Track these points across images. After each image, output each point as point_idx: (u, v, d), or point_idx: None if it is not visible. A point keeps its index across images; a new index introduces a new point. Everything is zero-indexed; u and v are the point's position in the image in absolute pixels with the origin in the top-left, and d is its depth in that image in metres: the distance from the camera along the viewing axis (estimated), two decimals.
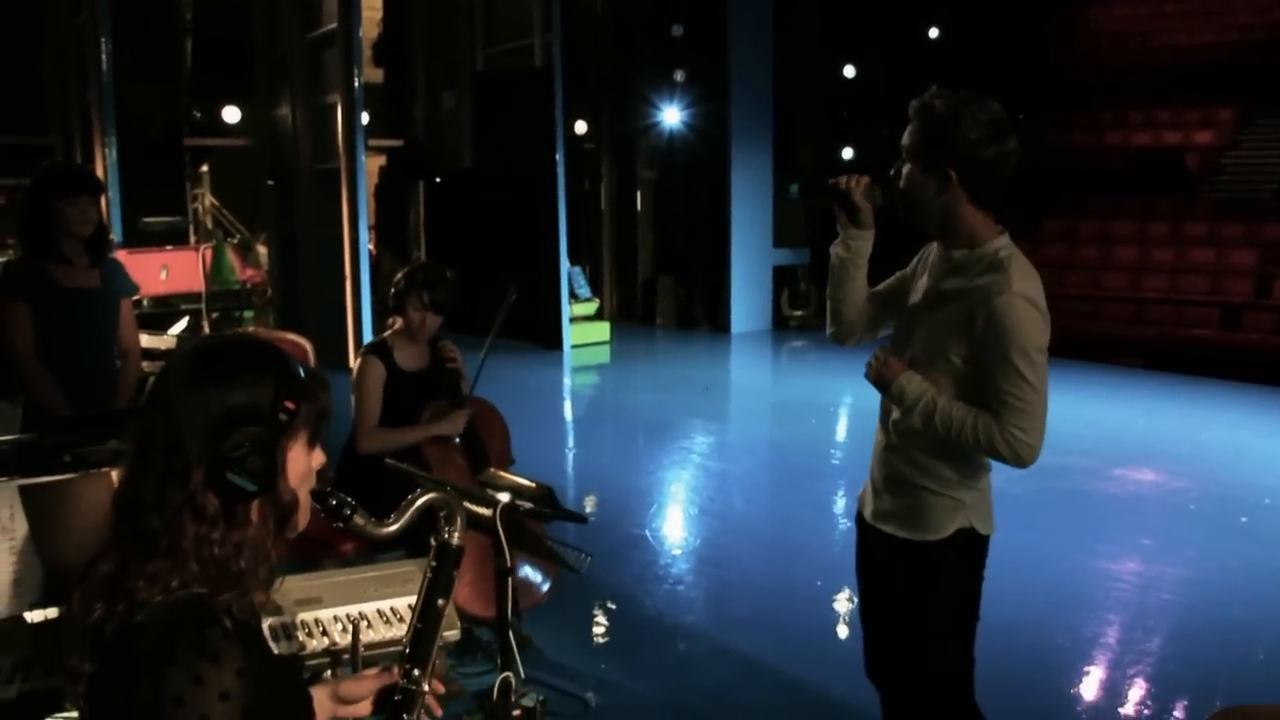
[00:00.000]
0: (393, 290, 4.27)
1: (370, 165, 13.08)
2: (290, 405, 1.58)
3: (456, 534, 1.88)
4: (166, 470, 1.52)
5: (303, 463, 1.64)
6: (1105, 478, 7.27)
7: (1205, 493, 7.05)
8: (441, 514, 1.87)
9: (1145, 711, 4.14)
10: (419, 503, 1.82)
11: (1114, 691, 4.32)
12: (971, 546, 2.73)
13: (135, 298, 4.57)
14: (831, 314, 2.96)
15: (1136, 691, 4.30)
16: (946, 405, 2.59)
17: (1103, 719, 4.10)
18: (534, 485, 2.65)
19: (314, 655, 2.47)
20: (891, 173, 2.70)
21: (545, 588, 4.19)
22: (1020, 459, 2.56)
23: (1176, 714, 4.10)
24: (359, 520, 1.75)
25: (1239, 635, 4.82)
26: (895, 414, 2.76)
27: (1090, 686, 4.37)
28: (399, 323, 4.27)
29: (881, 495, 2.82)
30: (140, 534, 1.53)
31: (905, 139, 2.65)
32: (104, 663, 1.51)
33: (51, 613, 2.36)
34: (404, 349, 4.28)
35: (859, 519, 2.96)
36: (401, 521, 1.80)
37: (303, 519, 1.67)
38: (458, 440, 4.24)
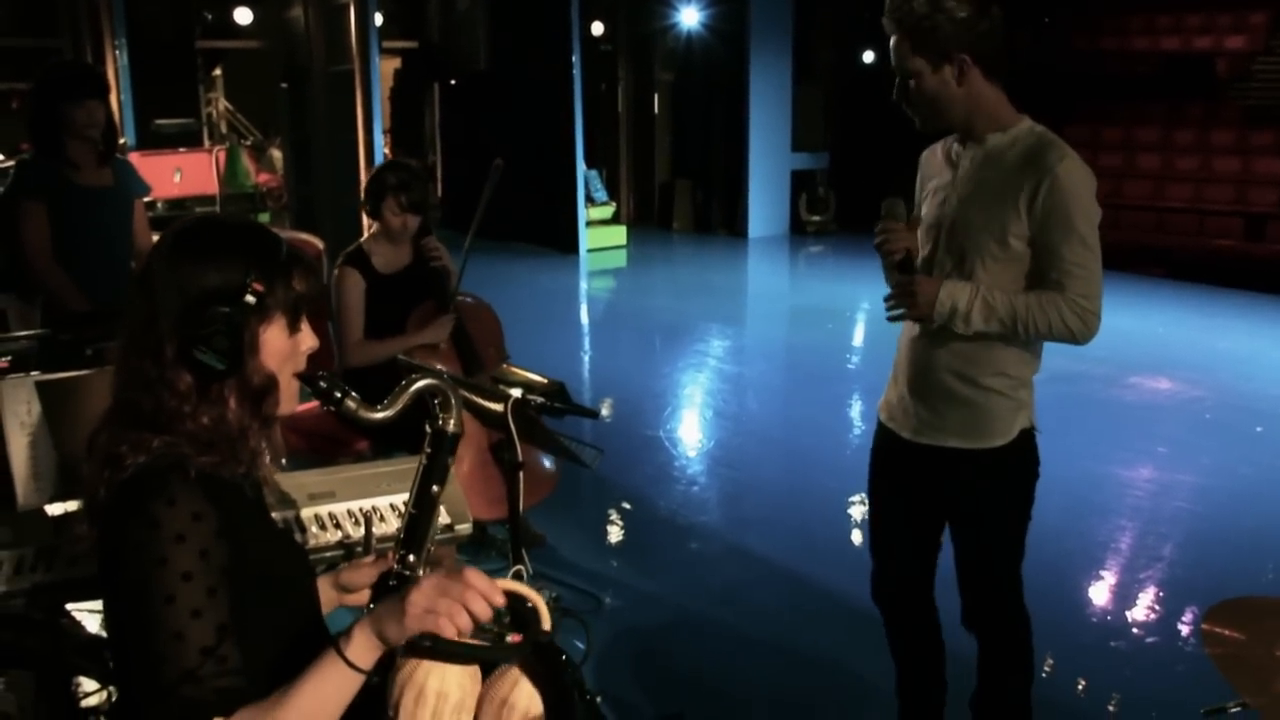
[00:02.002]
0: (365, 195, 4.16)
1: (384, 68, 12.91)
2: (258, 287, 1.60)
3: (452, 420, 1.88)
4: (144, 346, 1.58)
5: (283, 344, 1.66)
6: (1122, 385, 7.25)
7: (1222, 402, 7.03)
8: (436, 400, 1.87)
9: (1153, 616, 4.17)
10: (413, 388, 1.82)
11: (1123, 596, 4.35)
12: (1032, 446, 2.70)
13: (148, 199, 4.53)
14: None
15: (1146, 596, 4.33)
16: (1003, 295, 2.51)
17: (1111, 623, 4.13)
18: (545, 380, 2.65)
19: (327, 548, 2.49)
20: (896, 96, 2.62)
21: (550, 468, 4.15)
22: (1087, 330, 2.51)
23: (1185, 618, 4.13)
24: (350, 404, 1.75)
25: (1250, 543, 4.83)
26: (913, 332, 2.71)
27: (1100, 591, 4.40)
28: (375, 227, 4.19)
29: (928, 408, 2.71)
30: (128, 405, 1.60)
31: (898, 53, 2.55)
32: (100, 525, 1.58)
33: (71, 505, 2.40)
34: (383, 252, 4.18)
35: (888, 441, 2.86)
36: (395, 406, 1.79)
37: (286, 401, 1.69)
38: (443, 346, 4.10)
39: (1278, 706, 1.62)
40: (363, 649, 1.55)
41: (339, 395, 1.74)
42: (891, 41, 2.57)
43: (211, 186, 11.39)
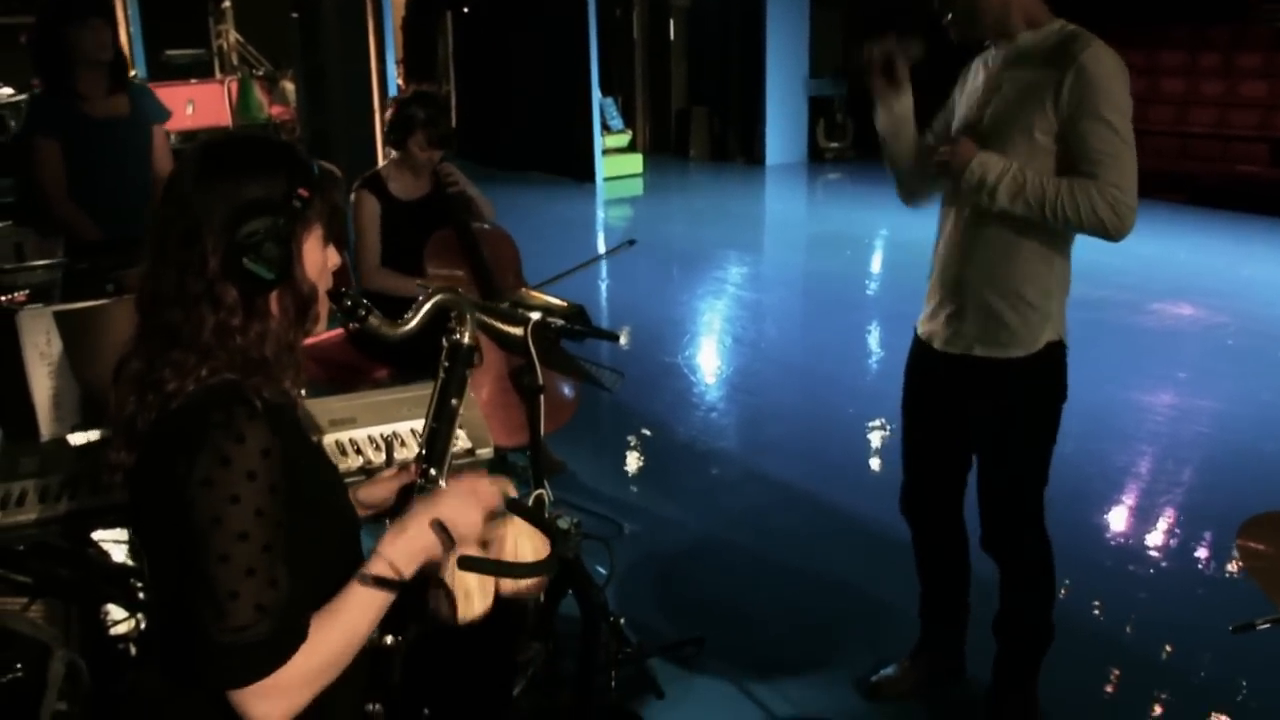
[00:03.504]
0: (389, 127, 4.11)
1: None
2: (304, 193, 1.59)
3: (467, 333, 1.90)
4: (184, 262, 1.54)
5: (319, 256, 1.65)
6: (1143, 311, 7.20)
7: (1244, 328, 6.97)
8: (452, 314, 1.89)
9: (1172, 540, 4.17)
10: (430, 303, 1.83)
11: (1142, 520, 4.35)
12: (1060, 358, 2.69)
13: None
14: (897, 179, 2.88)
15: (1164, 520, 4.33)
16: (1035, 176, 2.48)
17: (1130, 547, 4.14)
18: (565, 304, 2.64)
19: (349, 474, 2.50)
20: (935, 6, 2.59)
21: (569, 394, 4.16)
22: (1121, 222, 2.45)
23: (1202, 542, 4.13)
24: (374, 320, 1.76)
25: (1269, 468, 4.81)
26: (961, 221, 2.66)
27: (1119, 515, 4.40)
28: (395, 155, 4.16)
29: (958, 318, 2.71)
30: (163, 327, 1.55)
31: None
32: (142, 453, 1.55)
33: (94, 435, 2.41)
34: (401, 179, 4.17)
35: (922, 353, 2.87)
36: (416, 319, 1.81)
37: (322, 312, 1.68)
38: (462, 274, 4.12)
39: None
40: (399, 555, 1.61)
41: (363, 312, 1.74)
42: None
43: (224, 118, 11.32)
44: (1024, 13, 2.56)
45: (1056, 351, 2.67)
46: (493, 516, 1.78)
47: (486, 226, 4.29)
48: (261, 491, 1.47)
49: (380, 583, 1.59)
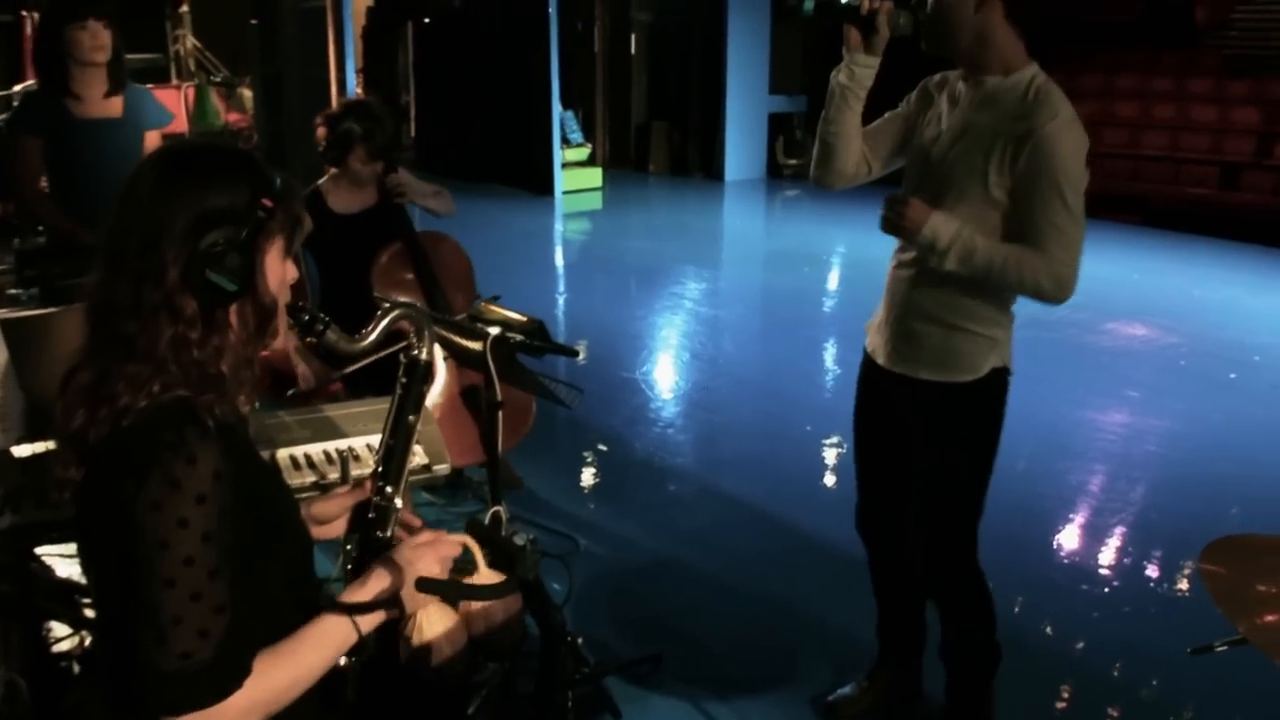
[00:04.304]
0: (326, 145, 3.94)
1: (357, 5, 12.70)
2: (267, 204, 1.55)
3: (424, 350, 1.88)
4: (142, 271, 1.49)
5: (280, 269, 1.62)
6: (1097, 331, 7.28)
7: (1195, 349, 7.06)
8: (411, 331, 1.88)
9: (1124, 560, 4.20)
10: (389, 317, 1.81)
11: (1094, 539, 4.38)
12: (1001, 385, 2.69)
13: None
14: (821, 152, 2.77)
15: (1117, 540, 4.36)
16: (985, 243, 2.48)
17: (1081, 566, 4.16)
18: (524, 318, 2.61)
19: (303, 489, 2.46)
20: (913, 3, 2.56)
21: (528, 407, 4.06)
22: (1061, 292, 2.48)
23: (1153, 562, 4.17)
24: (332, 335, 1.74)
25: (1219, 488, 4.86)
26: (909, 254, 2.66)
27: (1071, 534, 4.42)
28: (332, 170, 4.02)
29: (903, 339, 2.71)
30: (117, 338, 1.50)
31: None
32: (91, 468, 1.51)
33: (39, 447, 2.35)
34: (342, 194, 4.01)
35: (869, 367, 2.87)
36: (374, 335, 1.81)
37: (282, 326, 1.64)
38: (408, 281, 4.00)
39: (1267, 636, 1.65)
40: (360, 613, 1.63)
41: (321, 327, 1.71)
42: None
43: (181, 124, 11.19)
44: (998, 52, 2.52)
45: (1000, 378, 2.67)
46: (457, 568, 1.77)
47: (436, 237, 4.18)
48: (210, 516, 1.43)
49: (338, 631, 1.60)
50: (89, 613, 2.76)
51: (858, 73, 2.64)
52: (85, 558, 1.59)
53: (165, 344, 1.49)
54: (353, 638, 1.62)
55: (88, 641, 2.72)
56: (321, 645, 1.59)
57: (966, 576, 2.82)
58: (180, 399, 1.49)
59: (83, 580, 2.86)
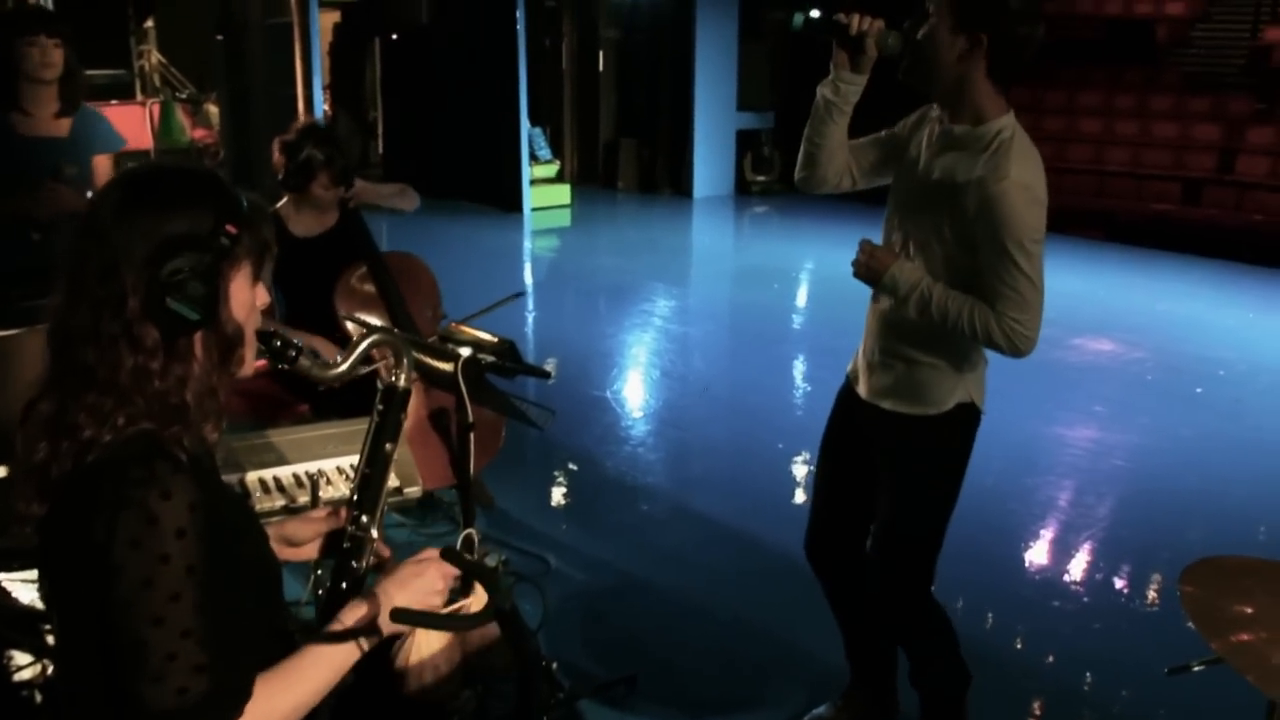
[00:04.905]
0: (287, 173, 3.91)
1: (324, 22, 12.64)
2: (232, 230, 1.51)
3: (403, 376, 1.84)
4: (101, 299, 1.45)
5: (247, 295, 1.58)
6: (1064, 347, 7.32)
7: (1161, 363, 7.13)
8: (387, 356, 1.85)
9: (1095, 575, 4.22)
10: (365, 343, 1.78)
11: (1062, 555, 4.39)
12: (968, 421, 2.68)
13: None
14: (805, 159, 2.77)
15: (1084, 555, 4.38)
16: (942, 295, 2.49)
17: (1051, 582, 4.18)
18: (496, 339, 2.59)
19: (271, 512, 2.43)
20: (907, 25, 2.54)
21: (497, 427, 4.01)
22: (1018, 350, 2.47)
23: (1121, 577, 4.19)
24: (304, 362, 1.70)
25: (1187, 502, 4.90)
26: (884, 302, 2.67)
27: (1040, 550, 4.44)
28: (290, 196, 3.99)
29: (878, 371, 2.72)
30: (76, 368, 1.47)
31: None
32: (56, 504, 1.47)
33: (0, 471, 2.30)
34: (302, 217, 3.99)
35: (848, 393, 2.87)
36: (348, 362, 1.77)
37: (249, 355, 1.61)
38: (371, 297, 3.96)
39: (1244, 655, 1.66)
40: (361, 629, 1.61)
41: (293, 354, 1.68)
42: None
43: (145, 141, 11.12)
44: (973, 101, 2.50)
45: (966, 414, 2.67)
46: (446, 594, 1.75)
47: (401, 256, 4.14)
48: (191, 549, 1.40)
49: (339, 644, 1.58)
50: (51, 640, 2.71)
51: (843, 89, 2.62)
52: (49, 592, 1.56)
53: (126, 374, 1.46)
54: (355, 655, 1.60)
55: (50, 670, 2.67)
56: (324, 665, 1.57)
57: (918, 612, 2.84)
58: (145, 432, 1.46)
59: (44, 608, 2.81)
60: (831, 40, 2.57)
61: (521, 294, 4.03)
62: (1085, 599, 4.02)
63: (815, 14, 2.51)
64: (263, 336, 1.65)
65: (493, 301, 3.81)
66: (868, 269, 2.58)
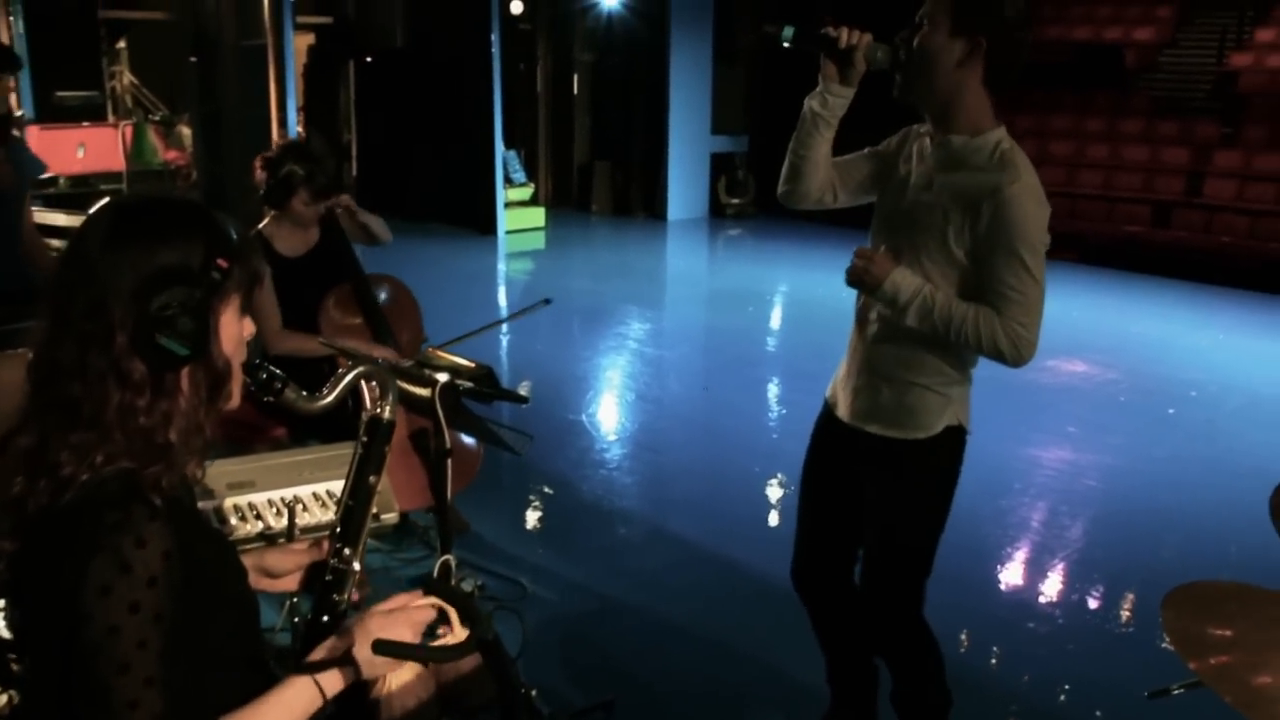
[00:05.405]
0: (268, 189, 3.93)
1: (298, 44, 12.62)
2: (223, 264, 1.49)
3: (388, 408, 1.83)
4: (88, 334, 1.42)
5: (235, 329, 1.56)
6: (1037, 368, 7.27)
7: (1134, 385, 7.18)
8: (373, 388, 1.83)
9: (1070, 596, 4.23)
10: (351, 375, 1.76)
11: (1037, 576, 4.41)
12: (957, 444, 2.68)
13: (47, 175, 4.35)
14: (789, 171, 2.75)
15: (1059, 576, 4.39)
16: (945, 301, 2.48)
17: (1026, 603, 4.19)
18: (473, 364, 2.58)
19: (248, 539, 2.40)
20: (898, 39, 2.55)
21: (474, 453, 4.03)
22: (1020, 356, 2.48)
23: (1095, 597, 4.20)
24: (290, 394, 1.68)
25: (1160, 523, 4.93)
26: (873, 312, 2.65)
27: (1015, 571, 4.45)
28: (272, 213, 4.01)
29: (862, 394, 2.70)
30: (60, 403, 1.43)
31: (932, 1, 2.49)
32: (28, 542, 1.44)
33: None
34: (287, 236, 4.01)
35: (828, 418, 2.85)
36: (334, 394, 1.75)
37: (236, 389, 1.59)
38: (356, 325, 3.99)
39: (1224, 679, 1.67)
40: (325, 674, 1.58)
41: (279, 386, 1.67)
42: None
43: (118, 163, 11.03)
44: (968, 111, 2.51)
45: (954, 437, 2.67)
46: (427, 632, 1.71)
47: (385, 281, 4.17)
48: (161, 598, 1.38)
49: (303, 694, 1.55)
50: (17, 669, 2.67)
51: (830, 101, 2.61)
52: (19, 627, 1.53)
53: (112, 410, 1.42)
54: (318, 702, 1.56)
55: (16, 700, 2.63)
56: (285, 708, 1.53)
57: (910, 634, 2.83)
58: (125, 472, 1.43)
59: (9, 636, 2.77)
60: (818, 56, 2.58)
61: (549, 301, 4.03)
62: (1060, 620, 4.03)
63: (789, 31, 2.50)
64: (249, 369, 1.63)
65: (490, 319, 3.81)
66: (863, 276, 2.56)
